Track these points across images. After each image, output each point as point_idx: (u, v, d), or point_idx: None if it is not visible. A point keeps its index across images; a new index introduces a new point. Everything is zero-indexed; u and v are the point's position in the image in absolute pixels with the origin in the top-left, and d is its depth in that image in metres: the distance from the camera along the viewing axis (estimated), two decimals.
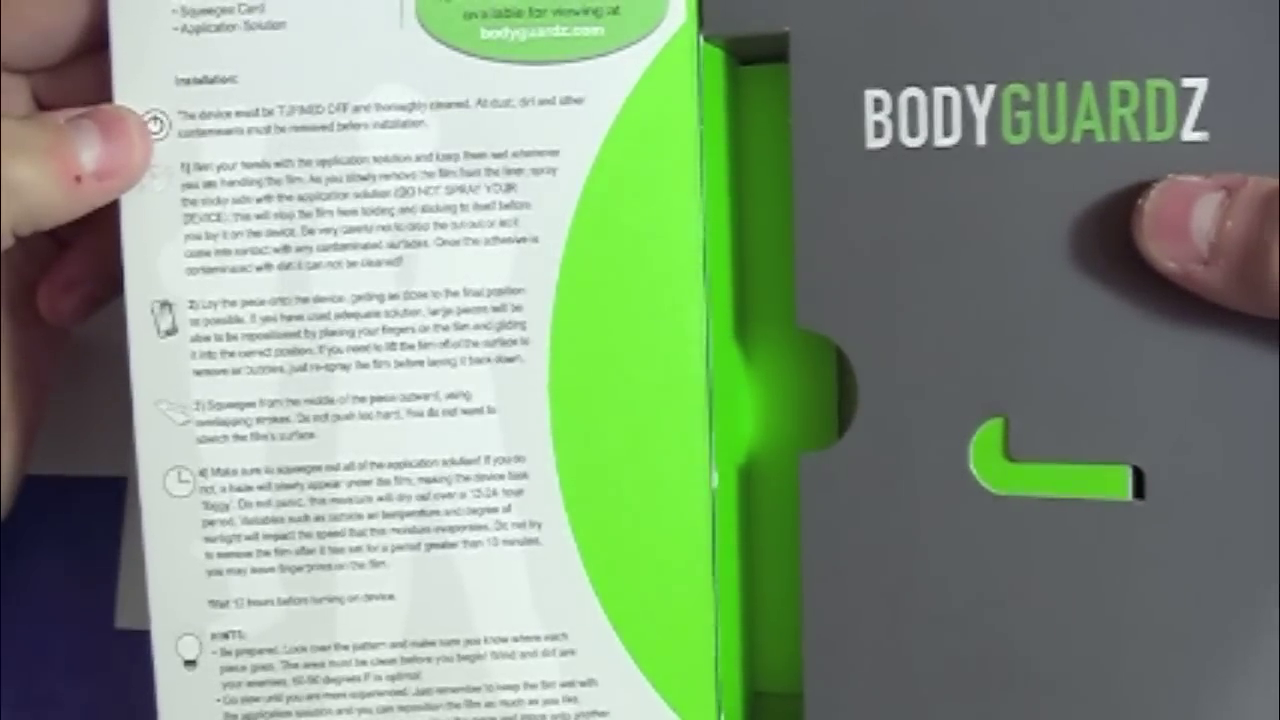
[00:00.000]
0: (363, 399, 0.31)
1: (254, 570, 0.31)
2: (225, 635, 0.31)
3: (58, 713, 0.39)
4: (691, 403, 0.31)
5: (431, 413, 0.31)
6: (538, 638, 0.31)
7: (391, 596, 0.31)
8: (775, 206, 0.32)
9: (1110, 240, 0.29)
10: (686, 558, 0.31)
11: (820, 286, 0.31)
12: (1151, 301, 0.29)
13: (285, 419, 0.31)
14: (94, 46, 0.31)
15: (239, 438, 0.31)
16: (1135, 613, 0.30)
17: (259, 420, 0.31)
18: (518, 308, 0.31)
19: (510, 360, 0.31)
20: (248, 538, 0.31)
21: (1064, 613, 0.30)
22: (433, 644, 0.31)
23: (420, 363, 0.31)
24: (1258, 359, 0.29)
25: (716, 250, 0.32)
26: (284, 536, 0.31)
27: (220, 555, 0.31)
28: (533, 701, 0.31)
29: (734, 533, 0.33)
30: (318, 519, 0.31)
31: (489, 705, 0.31)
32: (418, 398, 0.31)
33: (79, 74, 0.32)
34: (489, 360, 0.31)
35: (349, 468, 0.31)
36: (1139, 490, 0.30)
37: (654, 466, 0.31)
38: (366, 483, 0.31)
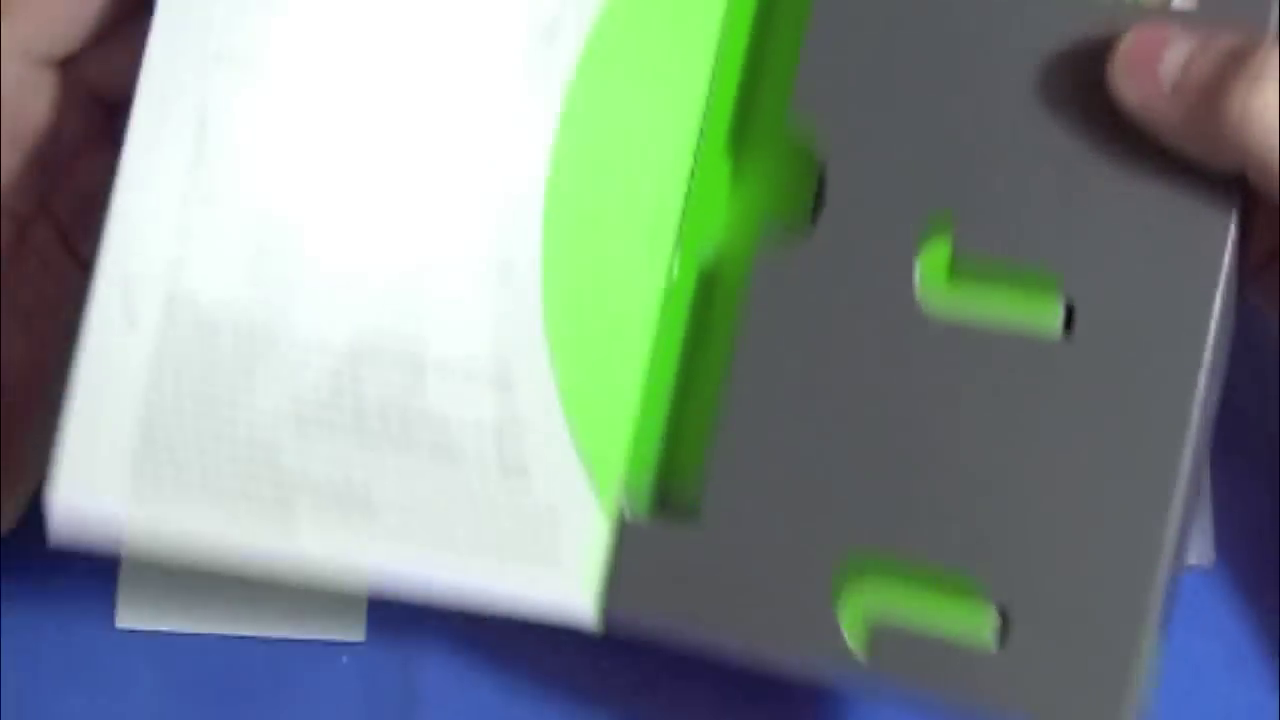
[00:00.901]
0: None
1: (226, 232, 0.29)
2: (178, 298, 0.28)
3: (57, 713, 0.39)
4: (672, 188, 0.33)
5: None
6: (482, 361, 0.31)
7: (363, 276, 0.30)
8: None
9: (1084, 86, 0.30)
10: (636, 327, 0.32)
11: (818, 76, 0.32)
12: (1112, 144, 0.30)
13: None
14: (123, 17, 0.31)
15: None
16: (1050, 447, 0.30)
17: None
18: None
19: None
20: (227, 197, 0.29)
21: (981, 438, 0.30)
22: (381, 353, 0.30)
23: None
24: (1203, 216, 0.29)
25: (732, 47, 0.34)
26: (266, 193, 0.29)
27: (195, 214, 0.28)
28: (461, 428, 0.31)
29: (683, 327, 0.34)
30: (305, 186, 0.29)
31: (420, 426, 0.30)
32: None
33: (123, 45, 0.31)
34: None
35: None
36: (1069, 325, 0.30)
37: (629, 235, 0.32)
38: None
